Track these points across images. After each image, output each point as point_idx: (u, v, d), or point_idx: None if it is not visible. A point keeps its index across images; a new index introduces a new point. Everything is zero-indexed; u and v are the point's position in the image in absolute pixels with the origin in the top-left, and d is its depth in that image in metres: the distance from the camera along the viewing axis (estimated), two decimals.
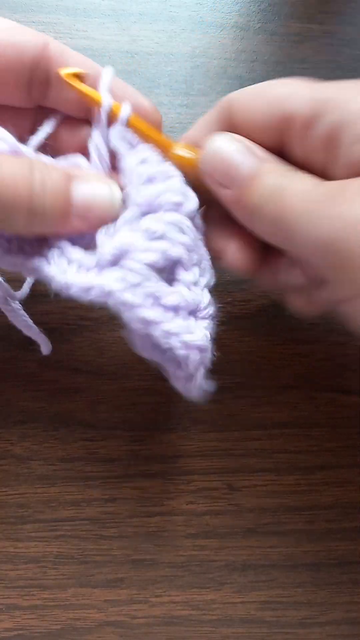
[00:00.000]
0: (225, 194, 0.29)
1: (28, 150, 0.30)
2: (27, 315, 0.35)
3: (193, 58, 0.44)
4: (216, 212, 0.31)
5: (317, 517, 0.37)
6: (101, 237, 0.30)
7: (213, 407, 0.38)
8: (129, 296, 0.28)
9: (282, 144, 0.29)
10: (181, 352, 0.30)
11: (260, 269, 0.31)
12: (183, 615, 0.36)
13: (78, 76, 0.31)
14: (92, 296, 0.29)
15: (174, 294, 0.29)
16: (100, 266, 0.30)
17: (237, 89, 0.31)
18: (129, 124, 0.31)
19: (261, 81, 0.30)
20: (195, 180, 0.30)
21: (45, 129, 0.33)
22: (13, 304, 0.34)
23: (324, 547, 0.37)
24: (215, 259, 0.31)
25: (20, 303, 0.37)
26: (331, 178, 0.27)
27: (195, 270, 0.31)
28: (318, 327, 0.39)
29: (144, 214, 0.30)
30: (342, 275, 0.26)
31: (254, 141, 0.29)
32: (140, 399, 0.38)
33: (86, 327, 0.39)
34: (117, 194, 0.30)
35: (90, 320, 0.39)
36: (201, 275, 0.31)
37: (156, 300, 0.29)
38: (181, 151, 0.31)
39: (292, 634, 0.36)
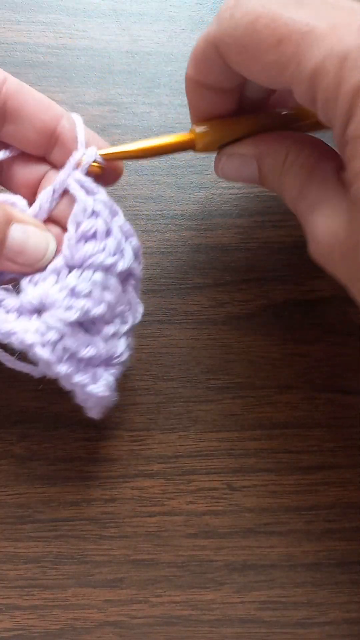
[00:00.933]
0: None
1: None
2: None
3: None
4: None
5: (317, 517, 0.37)
6: (25, 282, 0.31)
7: (213, 407, 0.38)
8: (45, 352, 0.30)
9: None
10: (83, 397, 0.32)
11: None
12: (183, 615, 0.36)
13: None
14: (12, 341, 0.30)
15: (90, 349, 0.31)
16: (20, 312, 0.31)
17: None
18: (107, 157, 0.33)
19: None
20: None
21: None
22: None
23: (324, 547, 0.37)
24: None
25: None
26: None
27: (117, 321, 0.32)
28: (318, 327, 0.39)
29: (74, 267, 0.31)
30: None
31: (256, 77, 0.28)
32: (140, 399, 0.38)
33: None
34: (52, 245, 0.30)
35: None
36: (122, 323, 0.33)
37: (72, 355, 0.30)
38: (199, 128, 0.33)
39: (291, 634, 0.36)
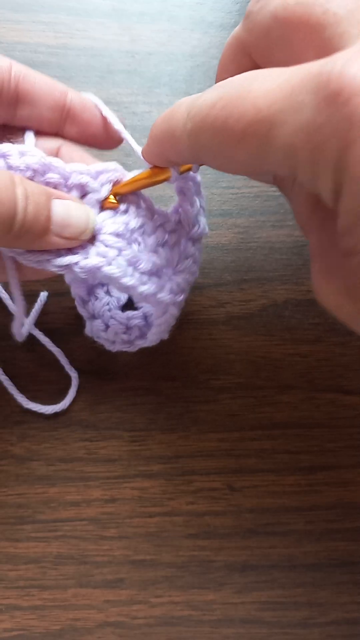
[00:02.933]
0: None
1: (58, 161, 0.31)
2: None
3: (193, 57, 0.44)
4: None
5: (318, 518, 0.37)
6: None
7: (213, 407, 0.38)
8: (112, 269, 0.31)
9: None
10: (157, 311, 0.34)
11: None
12: (183, 615, 0.36)
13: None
14: (77, 273, 0.31)
15: (149, 260, 0.32)
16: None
17: None
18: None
19: None
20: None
21: (30, 140, 0.33)
22: None
23: (324, 547, 0.37)
24: None
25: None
26: None
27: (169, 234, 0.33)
28: (318, 327, 0.39)
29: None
30: None
31: None
32: (140, 399, 0.38)
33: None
34: (92, 216, 0.31)
35: None
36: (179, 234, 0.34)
37: (134, 268, 0.32)
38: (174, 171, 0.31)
39: (292, 634, 0.36)
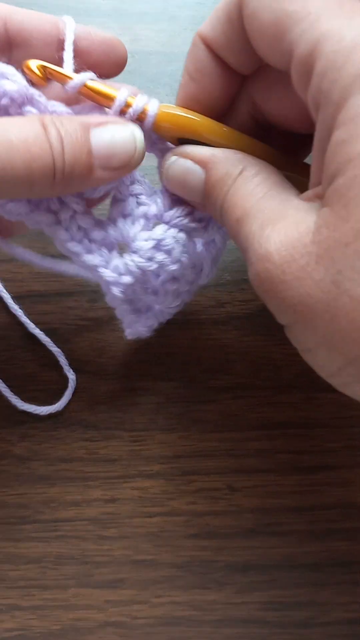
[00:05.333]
0: (194, 202, 0.31)
1: (40, 95, 0.28)
2: None
3: None
4: None
5: (318, 518, 0.37)
6: (117, 212, 0.31)
7: (213, 407, 0.38)
8: (116, 291, 0.31)
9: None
10: (126, 323, 0.35)
11: None
12: (184, 615, 0.36)
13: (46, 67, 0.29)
14: (89, 273, 0.32)
15: (151, 297, 0.33)
16: (103, 244, 0.31)
17: None
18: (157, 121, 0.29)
19: None
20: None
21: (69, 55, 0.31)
22: None
23: (325, 547, 0.37)
24: None
25: (20, 304, 0.37)
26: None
27: (182, 280, 0.33)
28: None
29: (163, 221, 0.32)
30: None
31: (266, 53, 0.26)
32: (140, 399, 0.38)
33: (86, 327, 0.39)
34: (138, 134, 0.28)
35: (90, 320, 0.39)
36: (186, 282, 0.34)
37: (134, 299, 0.33)
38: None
39: (293, 634, 0.36)
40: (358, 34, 0.22)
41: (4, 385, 0.37)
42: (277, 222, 0.25)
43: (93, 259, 0.31)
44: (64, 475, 0.37)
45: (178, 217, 0.31)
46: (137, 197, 0.31)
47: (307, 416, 0.38)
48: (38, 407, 0.37)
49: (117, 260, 0.31)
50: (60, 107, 0.29)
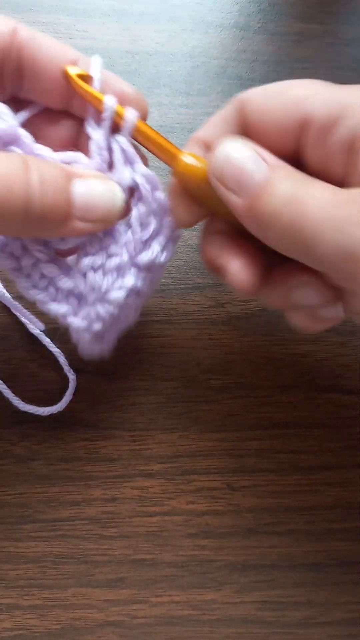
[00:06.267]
0: (236, 202, 0.26)
1: (27, 137, 0.28)
2: None
3: (193, 58, 0.44)
4: (219, 225, 0.30)
5: (318, 517, 0.37)
6: (86, 264, 0.30)
7: (213, 407, 0.38)
8: (87, 336, 0.32)
9: (298, 148, 0.27)
10: (85, 348, 0.33)
11: (265, 287, 0.29)
12: (183, 615, 0.36)
13: (81, 76, 0.29)
14: (57, 318, 0.32)
15: (115, 331, 0.33)
16: (72, 293, 0.31)
17: (237, 89, 0.31)
18: (135, 130, 0.29)
19: (261, 81, 0.30)
20: (202, 190, 0.28)
21: (19, 118, 0.30)
22: None
23: (324, 547, 0.37)
24: (218, 275, 0.30)
25: (20, 304, 0.37)
26: (349, 186, 0.25)
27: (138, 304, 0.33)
28: None
29: (134, 266, 0.31)
30: None
31: (268, 144, 0.27)
32: (140, 399, 0.38)
33: None
34: (118, 193, 0.29)
35: None
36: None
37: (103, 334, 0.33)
38: (189, 159, 0.28)
39: (292, 634, 0.36)
40: None
41: (4, 386, 0.37)
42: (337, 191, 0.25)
43: (59, 307, 0.31)
44: (64, 474, 0.37)
45: (150, 259, 0.31)
46: (107, 250, 0.31)
47: (307, 416, 0.38)
48: (40, 408, 0.37)
49: (87, 309, 0.31)
50: (46, 152, 0.29)
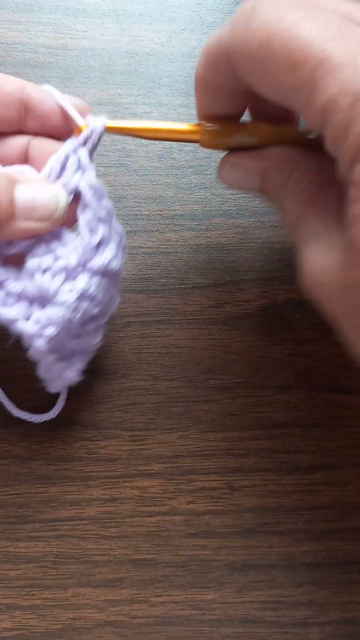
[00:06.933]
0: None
1: None
2: None
3: (193, 58, 0.44)
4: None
5: (317, 517, 0.37)
6: (33, 265, 0.31)
7: (213, 407, 0.38)
8: (41, 343, 0.31)
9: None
10: (52, 377, 0.34)
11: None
12: (183, 615, 0.36)
13: None
14: (8, 326, 0.31)
15: (75, 343, 0.33)
16: (21, 297, 0.31)
17: None
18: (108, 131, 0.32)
19: None
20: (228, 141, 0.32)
21: None
22: None
23: (324, 547, 0.37)
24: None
25: None
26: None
27: (99, 316, 0.33)
28: (318, 327, 0.39)
29: (84, 270, 0.31)
30: None
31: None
32: (140, 399, 0.38)
33: None
34: (62, 196, 0.30)
35: None
36: (102, 317, 0.34)
37: (60, 347, 0.33)
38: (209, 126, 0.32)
39: (292, 633, 0.36)
40: None
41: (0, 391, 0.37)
42: (315, 239, 0.27)
43: (9, 312, 0.31)
44: (64, 474, 0.37)
45: (101, 264, 0.31)
46: (55, 252, 0.31)
47: (307, 416, 0.38)
48: (33, 415, 0.37)
49: (39, 313, 0.31)
50: None
